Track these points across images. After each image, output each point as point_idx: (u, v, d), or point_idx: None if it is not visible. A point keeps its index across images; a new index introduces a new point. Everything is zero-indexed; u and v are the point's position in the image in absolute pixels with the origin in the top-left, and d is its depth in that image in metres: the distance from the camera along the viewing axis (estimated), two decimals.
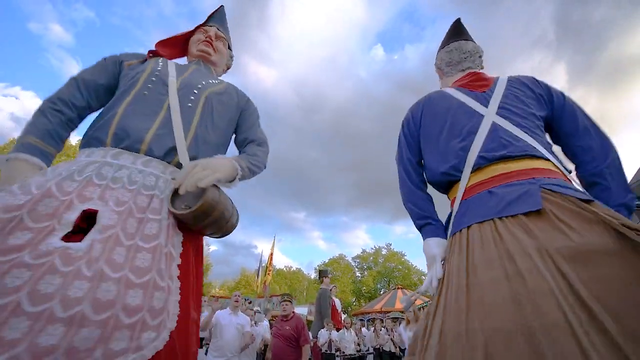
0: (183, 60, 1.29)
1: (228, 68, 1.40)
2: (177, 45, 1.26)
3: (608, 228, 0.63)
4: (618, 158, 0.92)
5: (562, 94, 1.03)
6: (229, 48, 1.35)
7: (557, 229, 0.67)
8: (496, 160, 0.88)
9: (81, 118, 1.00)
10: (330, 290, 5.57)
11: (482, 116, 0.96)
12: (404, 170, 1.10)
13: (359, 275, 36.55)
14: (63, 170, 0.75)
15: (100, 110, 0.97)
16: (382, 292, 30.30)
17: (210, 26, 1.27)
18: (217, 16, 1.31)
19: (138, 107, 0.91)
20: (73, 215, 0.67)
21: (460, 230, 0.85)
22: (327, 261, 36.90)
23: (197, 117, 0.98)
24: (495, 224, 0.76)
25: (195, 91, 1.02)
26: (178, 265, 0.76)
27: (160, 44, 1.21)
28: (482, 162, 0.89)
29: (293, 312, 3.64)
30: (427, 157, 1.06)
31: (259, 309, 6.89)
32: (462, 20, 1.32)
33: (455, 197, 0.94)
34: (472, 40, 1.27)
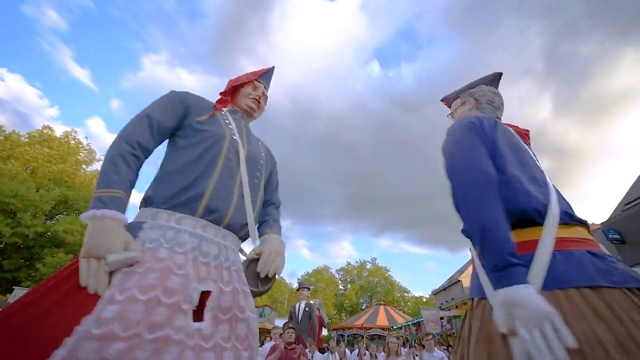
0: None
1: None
2: (228, 92, 1.28)
3: None
4: None
5: None
6: None
7: None
8: (577, 222, 0.81)
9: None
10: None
11: (543, 172, 0.91)
12: (486, 181, 0.79)
13: (342, 288, 36.16)
14: (160, 237, 0.80)
15: (180, 167, 0.93)
16: (363, 307, 30.01)
17: (260, 82, 1.31)
18: (268, 75, 1.37)
19: (223, 179, 0.96)
20: (196, 296, 0.77)
21: (565, 289, 0.67)
22: (310, 272, 36.42)
23: (260, 193, 1.11)
24: (625, 294, 0.64)
25: (260, 167, 1.12)
26: None
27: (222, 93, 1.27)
28: (567, 220, 0.79)
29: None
30: (513, 178, 0.84)
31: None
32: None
33: (529, 240, 0.76)
34: None
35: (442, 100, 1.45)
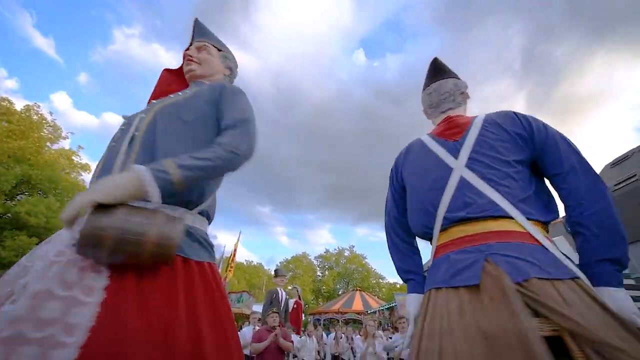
0: None
1: (230, 69, 1.28)
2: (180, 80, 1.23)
3: (522, 307, 0.62)
4: (609, 205, 0.77)
5: (545, 127, 0.91)
6: (220, 50, 1.25)
7: (484, 308, 0.66)
8: (456, 222, 0.84)
9: None
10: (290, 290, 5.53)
11: (452, 170, 0.91)
12: (390, 226, 1.12)
13: (320, 274, 36.89)
14: None
15: None
16: (340, 293, 30.86)
17: (190, 45, 1.21)
18: (195, 32, 1.25)
19: (102, 163, 0.88)
20: None
21: (429, 290, 0.85)
22: (289, 258, 36.76)
23: (139, 139, 0.88)
24: (447, 293, 0.77)
25: (144, 114, 0.95)
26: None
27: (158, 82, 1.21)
28: (446, 223, 0.86)
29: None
30: (409, 210, 1.05)
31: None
32: (439, 59, 1.28)
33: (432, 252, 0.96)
34: (453, 77, 1.21)
35: None
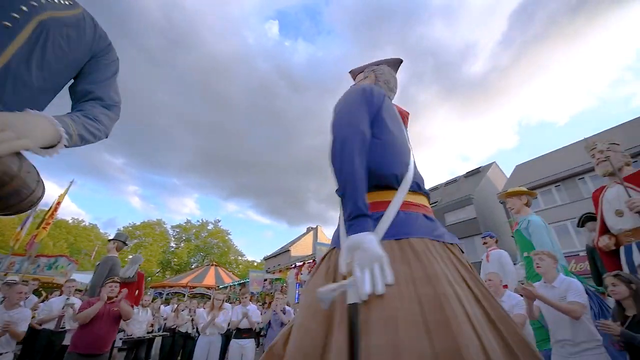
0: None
1: None
2: None
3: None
4: None
5: None
6: None
7: (462, 264, 0.82)
8: (423, 193, 1.00)
9: None
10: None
11: (410, 149, 1.08)
12: (360, 142, 0.91)
13: (174, 245, 33.59)
14: None
15: None
16: (193, 267, 29.19)
17: None
18: None
19: None
20: None
21: (399, 240, 0.80)
22: (138, 224, 31.62)
23: (17, 44, 0.68)
24: (445, 246, 0.84)
25: (25, 7, 0.70)
26: None
27: None
28: (416, 188, 0.97)
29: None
30: (377, 149, 0.97)
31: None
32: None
33: (383, 201, 0.90)
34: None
35: (349, 72, 1.55)
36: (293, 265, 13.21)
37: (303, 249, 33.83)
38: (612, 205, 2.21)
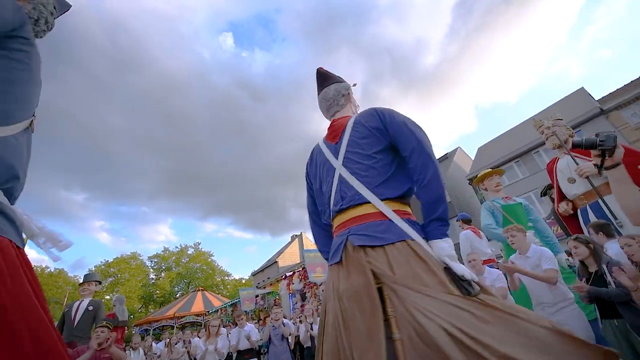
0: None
1: (36, 19, 0.98)
2: None
3: (368, 270, 0.87)
4: (434, 175, 0.94)
5: (392, 118, 1.05)
6: None
7: (344, 276, 0.92)
8: (337, 213, 1.05)
9: None
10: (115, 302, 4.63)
11: (334, 169, 1.09)
12: (311, 219, 1.34)
13: (154, 277, 31.78)
14: None
15: None
16: (178, 296, 27.82)
17: None
18: None
19: None
20: None
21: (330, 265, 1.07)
22: (111, 261, 29.59)
23: None
24: (331, 268, 1.04)
25: None
26: None
27: None
28: (332, 214, 1.09)
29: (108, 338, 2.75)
30: (319, 205, 1.25)
31: None
32: (322, 68, 1.40)
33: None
34: (335, 82, 1.34)
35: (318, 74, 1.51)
36: (283, 277, 13.04)
37: (290, 258, 33.44)
38: (564, 174, 2.45)
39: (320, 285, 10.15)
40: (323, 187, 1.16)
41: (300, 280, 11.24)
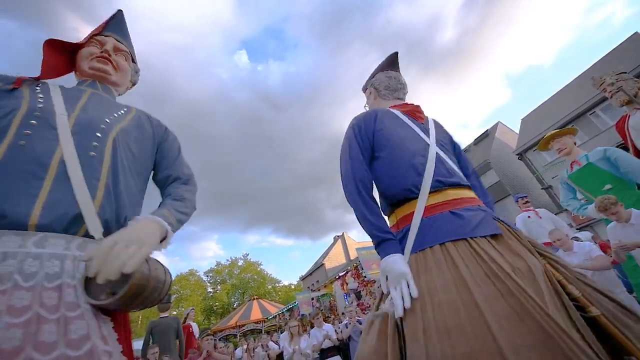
0: (69, 81, 0.96)
1: (133, 85, 1.16)
2: (60, 59, 0.95)
3: (533, 251, 0.81)
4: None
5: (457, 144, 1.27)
6: (133, 61, 1.12)
7: (513, 252, 0.79)
8: (449, 186, 0.96)
9: None
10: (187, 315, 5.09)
11: (428, 144, 1.06)
12: (360, 182, 1.03)
13: (212, 290, 33.80)
14: None
15: None
16: (235, 306, 29.24)
17: (107, 36, 1.01)
18: (115, 24, 1.06)
19: (14, 165, 0.66)
20: None
21: (424, 250, 0.86)
22: (173, 279, 32.03)
23: (106, 167, 0.78)
24: (469, 244, 0.81)
25: (99, 134, 0.80)
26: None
27: (46, 56, 0.89)
28: (439, 186, 0.95)
29: None
30: (382, 169, 1.05)
31: None
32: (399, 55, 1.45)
33: (407, 214, 0.96)
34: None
35: (363, 91, 1.55)
36: (337, 277, 13.17)
37: (336, 259, 33.60)
38: (638, 131, 2.22)
39: (374, 282, 10.10)
40: (407, 152, 1.03)
41: (354, 279, 11.26)
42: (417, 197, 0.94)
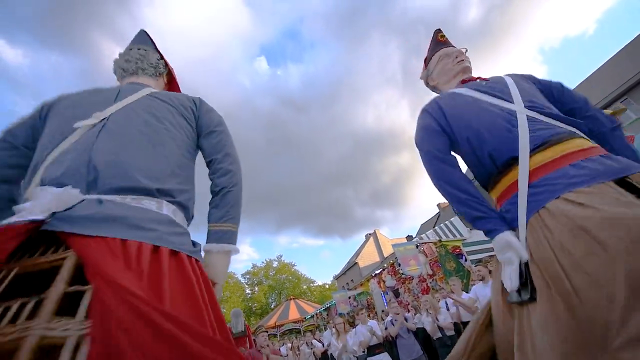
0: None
1: (160, 74, 1.20)
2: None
3: None
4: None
5: (562, 85, 1.14)
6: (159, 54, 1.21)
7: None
8: (555, 142, 0.86)
9: None
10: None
11: (512, 109, 0.96)
12: (447, 161, 0.99)
13: (250, 292, 34.95)
14: None
15: None
16: (273, 306, 29.95)
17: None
18: (140, 39, 1.21)
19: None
20: None
21: (538, 212, 0.78)
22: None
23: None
24: (592, 190, 0.73)
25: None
26: None
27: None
28: (540, 145, 0.86)
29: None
30: (469, 150, 0.99)
31: None
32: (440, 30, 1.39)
33: (509, 186, 0.89)
34: None
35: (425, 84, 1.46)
36: (373, 275, 13.00)
37: (369, 257, 33.24)
38: None
39: (412, 279, 9.81)
40: (492, 124, 0.96)
41: (392, 277, 11.04)
42: (516, 166, 0.87)
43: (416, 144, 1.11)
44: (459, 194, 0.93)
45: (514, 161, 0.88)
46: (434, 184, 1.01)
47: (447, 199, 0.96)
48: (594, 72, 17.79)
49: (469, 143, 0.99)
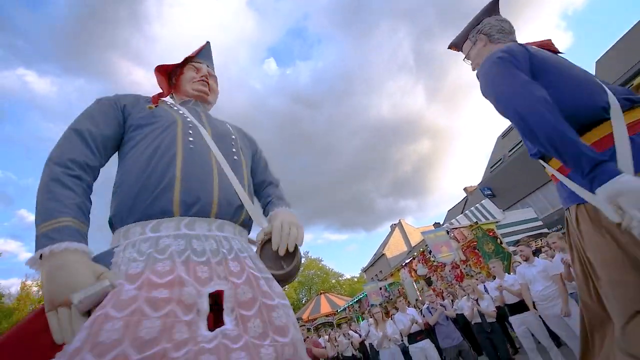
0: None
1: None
2: (164, 81, 1.12)
3: None
4: None
5: None
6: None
7: None
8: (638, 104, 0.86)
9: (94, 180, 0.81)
10: None
11: (584, 70, 0.97)
12: (540, 102, 0.84)
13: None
14: (134, 253, 0.67)
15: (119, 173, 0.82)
16: (304, 301, 30.53)
17: (201, 63, 1.17)
18: (206, 53, 1.22)
19: (191, 164, 0.81)
20: (204, 301, 0.64)
21: None
22: None
23: (245, 171, 0.97)
24: None
25: (234, 144, 0.99)
26: None
27: (158, 79, 1.09)
28: (629, 105, 0.86)
29: None
30: (555, 93, 0.90)
31: None
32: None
33: (602, 138, 0.84)
34: None
35: (450, 47, 1.44)
36: (403, 264, 12.91)
37: (396, 247, 32.95)
38: None
39: (445, 266, 9.63)
40: (575, 76, 0.95)
41: (423, 265, 10.91)
42: (608, 118, 0.83)
43: (489, 83, 1.00)
44: (560, 124, 0.81)
45: (603, 113, 0.85)
46: (517, 112, 0.88)
47: (536, 130, 0.83)
48: (625, 33, 16.35)
49: (554, 88, 0.91)
